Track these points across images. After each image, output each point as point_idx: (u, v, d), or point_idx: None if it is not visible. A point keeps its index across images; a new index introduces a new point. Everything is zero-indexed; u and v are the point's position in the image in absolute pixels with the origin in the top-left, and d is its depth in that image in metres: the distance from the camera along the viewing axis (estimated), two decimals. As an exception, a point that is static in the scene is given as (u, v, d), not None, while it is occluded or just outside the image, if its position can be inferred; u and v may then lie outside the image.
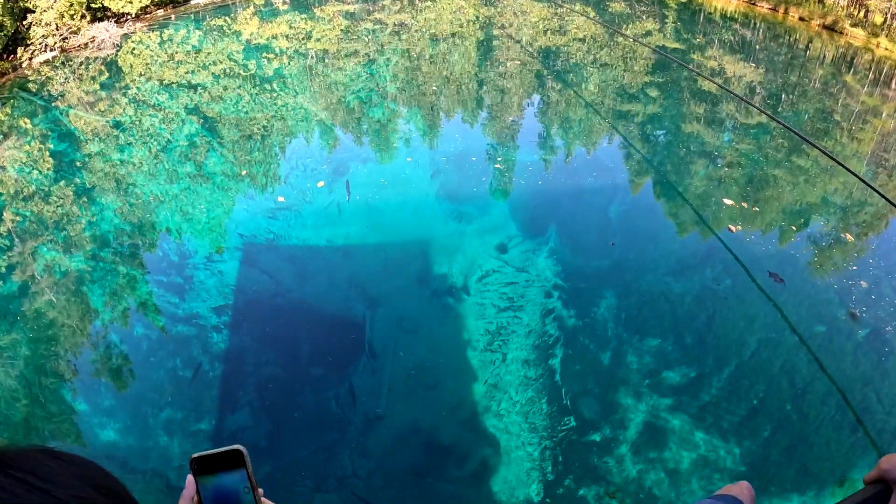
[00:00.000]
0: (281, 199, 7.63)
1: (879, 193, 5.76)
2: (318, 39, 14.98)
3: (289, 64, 13.16)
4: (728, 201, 7.93)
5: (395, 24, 16.28)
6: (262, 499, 0.84)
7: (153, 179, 8.13)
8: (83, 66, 11.92)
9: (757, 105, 10.42)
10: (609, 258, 6.84)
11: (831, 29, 19.49)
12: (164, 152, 8.88)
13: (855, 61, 16.88)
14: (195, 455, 0.80)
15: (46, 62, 11.78)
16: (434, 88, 12.09)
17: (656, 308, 6.14)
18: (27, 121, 9.46)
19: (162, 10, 17.13)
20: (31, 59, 11.51)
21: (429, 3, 19.27)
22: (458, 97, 11.92)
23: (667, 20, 17.65)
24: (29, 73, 11.22)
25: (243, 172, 8.24)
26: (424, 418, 5.00)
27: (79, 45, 12.69)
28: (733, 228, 7.35)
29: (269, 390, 5.14)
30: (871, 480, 1.11)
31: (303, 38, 14.99)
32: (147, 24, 15.46)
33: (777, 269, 6.71)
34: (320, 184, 7.96)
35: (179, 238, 7.02)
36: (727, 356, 5.61)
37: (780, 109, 11.57)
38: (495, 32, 16.10)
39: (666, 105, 11.62)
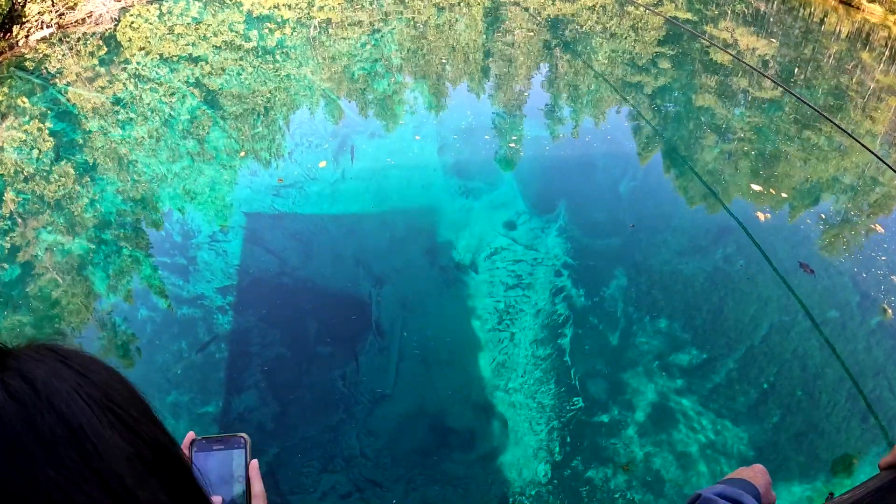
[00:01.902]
0: (280, 180, 7.48)
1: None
2: (322, 8, 14.67)
3: (291, 34, 12.90)
4: (756, 187, 7.68)
5: (399, -7, 15.91)
6: (254, 482, 0.84)
7: (155, 157, 8.02)
8: (81, 42, 11.71)
9: (774, 79, 10.16)
10: (619, 236, 6.73)
11: (847, 4, 18.94)
12: (166, 129, 8.75)
13: (871, 38, 16.40)
14: (197, 438, 0.83)
15: (43, 39, 11.56)
16: (441, 60, 11.85)
17: (667, 288, 6.04)
18: (25, 100, 9.31)
19: (161, -18, 16.77)
20: (27, 37, 11.28)
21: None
22: (466, 68, 11.68)
23: (679, -12, 17.15)
24: (25, 51, 11.01)
25: (241, 154, 8.09)
26: (432, 397, 4.97)
27: (76, 21, 12.44)
28: (762, 216, 7.10)
29: (275, 370, 5.11)
30: (888, 465, 1.12)
31: (305, 7, 14.68)
32: (146, -4, 15.17)
33: (791, 251, 6.59)
34: (322, 164, 7.82)
35: (183, 217, 6.94)
36: (739, 339, 5.53)
37: (792, 84, 11.28)
38: (502, 0, 15.72)
39: (678, 77, 11.35)
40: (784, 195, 7.63)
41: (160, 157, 8.02)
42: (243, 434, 0.85)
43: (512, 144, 8.64)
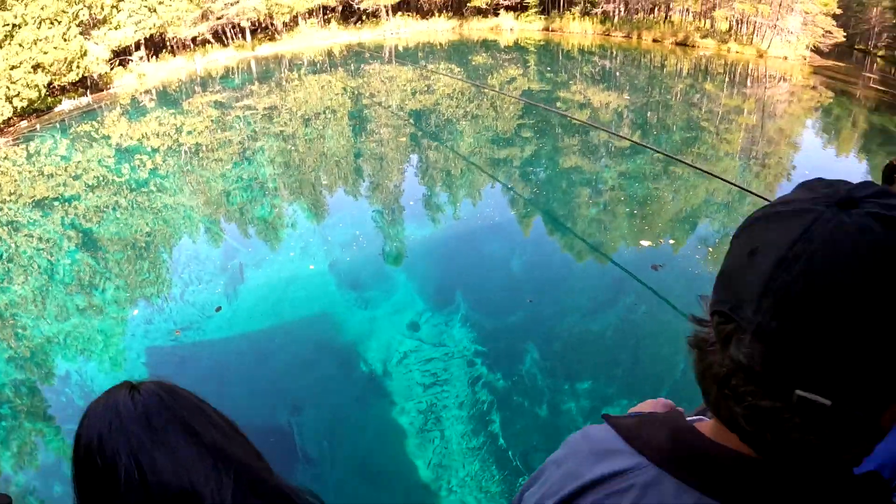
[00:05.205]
0: (178, 332, 7.12)
1: (753, 193, 6.47)
2: (190, 133, 14.65)
3: (163, 163, 12.71)
4: (645, 242, 8.27)
5: (265, 108, 16.24)
6: None
7: (42, 318, 7.48)
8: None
9: (627, 137, 11.30)
10: (523, 311, 7.02)
11: (683, 44, 21.76)
12: (49, 283, 8.22)
13: (710, 69, 18.63)
14: None
15: None
16: (315, 171, 12.08)
17: (580, 350, 6.34)
18: None
19: (26, 121, 16.47)
20: None
21: (296, 83, 19.47)
22: (339, 173, 11.97)
23: (529, 64, 18.86)
24: None
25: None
26: (376, 515, 4.80)
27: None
28: (657, 267, 7.57)
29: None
30: None
31: (174, 134, 14.60)
32: (11, 137, 14.62)
33: (685, 283, 7.15)
34: (218, 309, 7.54)
35: (81, 379, 6.46)
36: (661, 378, 5.84)
37: (648, 128, 12.58)
38: (365, 102, 16.48)
39: (543, 144, 12.28)
40: (671, 241, 8.32)
41: (48, 316, 7.51)
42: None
43: (397, 243, 8.84)
